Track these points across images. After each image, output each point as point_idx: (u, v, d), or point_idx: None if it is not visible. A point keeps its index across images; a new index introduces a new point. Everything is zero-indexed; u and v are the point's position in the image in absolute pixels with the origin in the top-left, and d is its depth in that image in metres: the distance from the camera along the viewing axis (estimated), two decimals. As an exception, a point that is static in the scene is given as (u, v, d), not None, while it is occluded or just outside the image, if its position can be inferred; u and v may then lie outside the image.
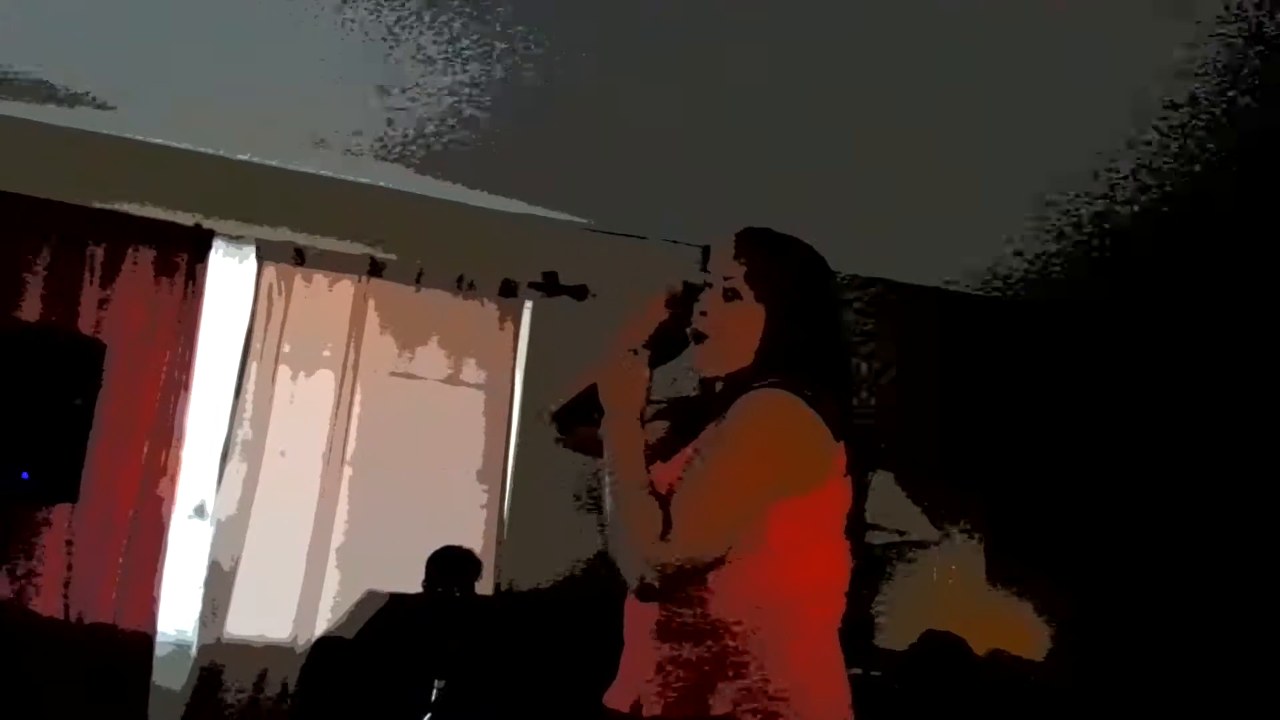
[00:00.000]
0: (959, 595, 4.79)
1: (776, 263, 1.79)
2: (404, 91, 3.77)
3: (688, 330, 1.83)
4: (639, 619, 1.76)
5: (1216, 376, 4.83)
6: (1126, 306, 5.04)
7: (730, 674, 1.63)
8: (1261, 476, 4.61)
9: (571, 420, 1.94)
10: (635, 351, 1.81)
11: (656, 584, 1.63)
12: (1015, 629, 4.67)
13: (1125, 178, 3.86)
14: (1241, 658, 4.38)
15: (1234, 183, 3.80)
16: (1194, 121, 3.42)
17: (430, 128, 4.05)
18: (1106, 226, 4.30)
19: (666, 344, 1.85)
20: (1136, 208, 4.09)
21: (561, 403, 1.97)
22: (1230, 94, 3.25)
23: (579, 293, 4.74)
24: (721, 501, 1.62)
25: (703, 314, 1.80)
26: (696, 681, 1.64)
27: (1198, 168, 3.71)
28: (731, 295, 1.78)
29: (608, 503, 1.71)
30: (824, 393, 1.69)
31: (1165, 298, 4.90)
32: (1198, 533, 4.68)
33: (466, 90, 3.72)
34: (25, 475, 3.75)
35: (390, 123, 4.04)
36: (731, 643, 1.64)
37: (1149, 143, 3.59)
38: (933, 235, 4.67)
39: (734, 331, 1.77)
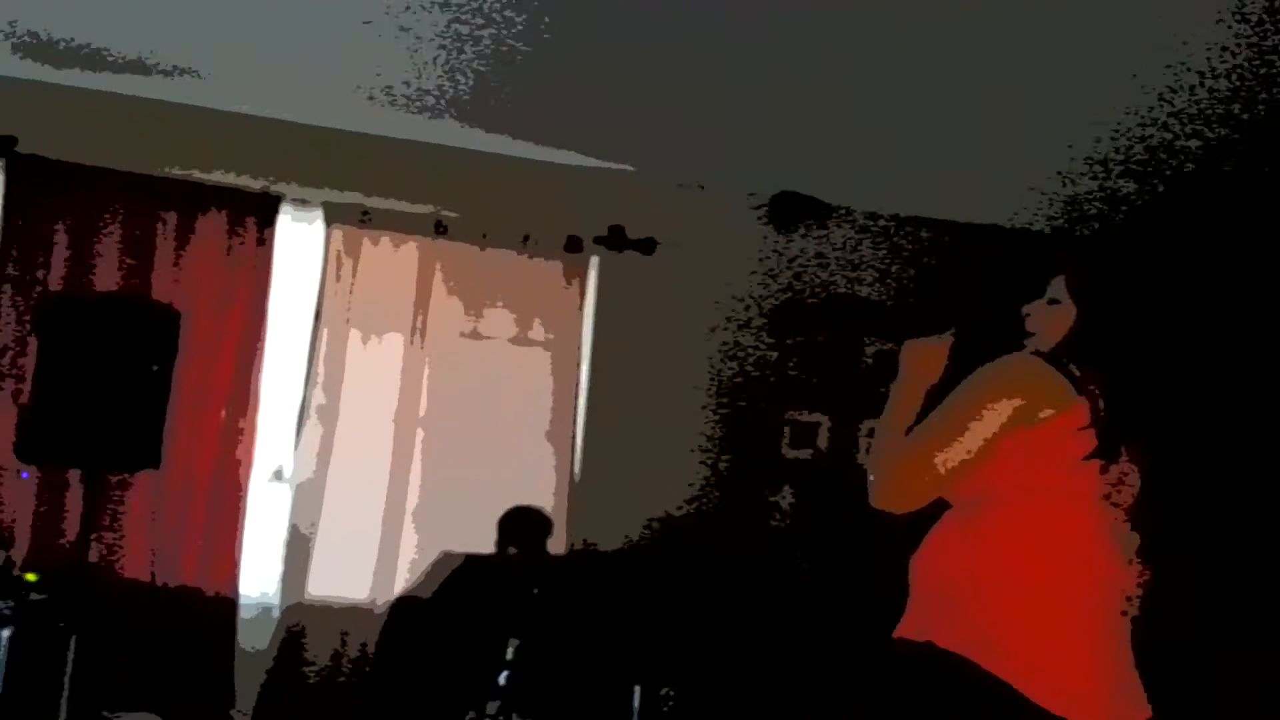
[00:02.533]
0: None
1: (1091, 275, 2.09)
2: (464, 46, 3.71)
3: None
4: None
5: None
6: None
7: (960, 617, 1.84)
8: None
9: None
10: (947, 335, 2.12)
11: (883, 504, 1.93)
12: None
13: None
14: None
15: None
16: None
17: (492, 82, 3.99)
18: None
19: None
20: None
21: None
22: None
23: (646, 247, 4.68)
24: (939, 449, 1.89)
25: (1027, 314, 2.11)
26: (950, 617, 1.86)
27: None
28: (1054, 300, 2.08)
29: (875, 439, 2.07)
30: (1087, 366, 1.95)
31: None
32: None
33: (528, 42, 3.65)
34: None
35: (451, 79, 4.00)
36: (967, 588, 1.86)
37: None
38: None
39: (1050, 329, 2.07)
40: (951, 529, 1.95)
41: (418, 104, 4.25)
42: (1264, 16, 3.04)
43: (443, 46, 3.73)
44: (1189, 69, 3.40)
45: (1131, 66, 3.43)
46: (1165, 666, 2.01)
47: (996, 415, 1.87)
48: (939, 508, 1.98)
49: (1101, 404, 1.89)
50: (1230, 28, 3.12)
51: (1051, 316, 2.06)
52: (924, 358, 2.08)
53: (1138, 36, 3.23)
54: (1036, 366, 1.94)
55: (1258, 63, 3.33)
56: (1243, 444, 4.55)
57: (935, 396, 2.04)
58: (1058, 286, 2.07)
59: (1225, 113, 3.68)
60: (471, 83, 4.01)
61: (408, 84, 4.08)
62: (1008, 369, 1.94)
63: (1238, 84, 3.47)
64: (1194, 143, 3.95)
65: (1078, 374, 1.93)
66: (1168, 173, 4.24)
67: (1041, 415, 1.88)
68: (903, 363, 2.09)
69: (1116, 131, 3.91)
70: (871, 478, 1.95)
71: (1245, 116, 3.68)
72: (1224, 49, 3.27)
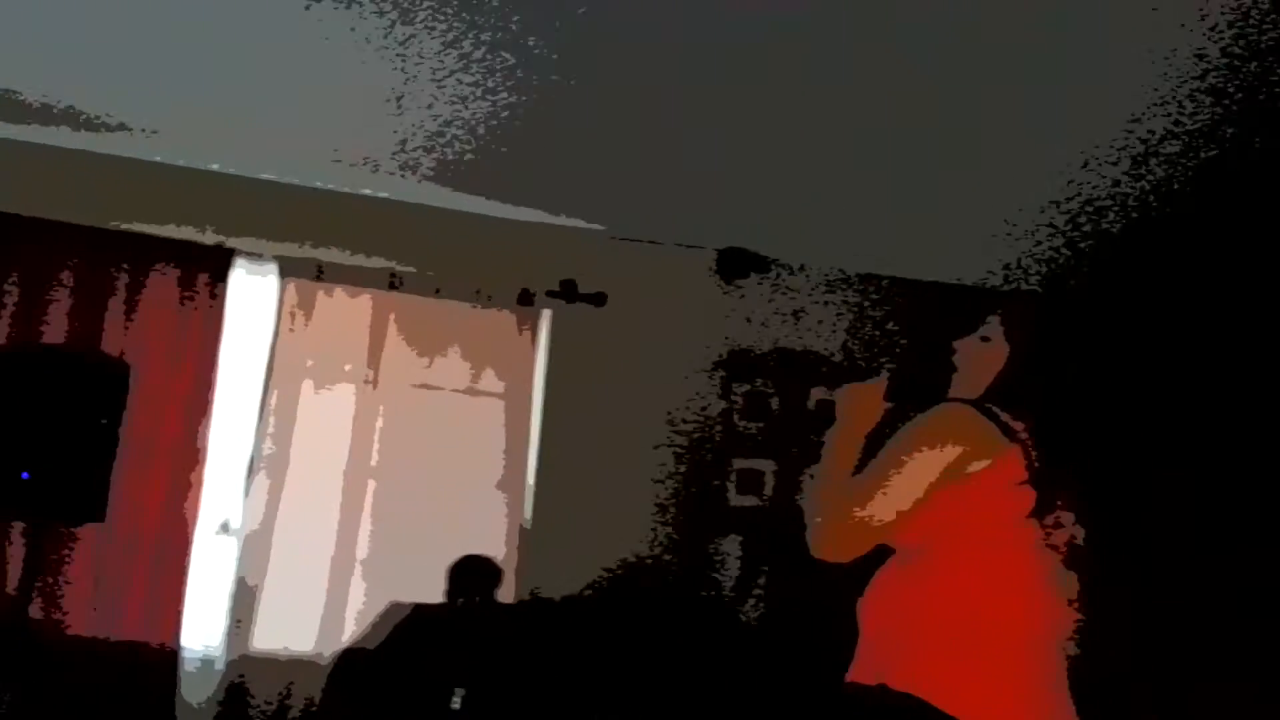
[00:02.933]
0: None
1: (1023, 318, 2.13)
2: (417, 104, 3.80)
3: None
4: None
5: (1218, 373, 4.73)
6: (1128, 303, 4.94)
7: (909, 659, 1.88)
8: (1262, 476, 4.51)
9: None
10: (880, 377, 2.17)
11: (822, 555, 1.96)
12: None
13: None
14: (1237, 655, 4.31)
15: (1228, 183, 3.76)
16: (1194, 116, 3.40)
17: (444, 139, 4.07)
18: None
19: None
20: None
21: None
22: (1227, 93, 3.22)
23: (597, 300, 4.76)
24: (874, 500, 1.92)
25: (955, 352, 2.15)
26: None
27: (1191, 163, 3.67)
28: (985, 339, 2.12)
29: (814, 488, 2.07)
30: (1017, 410, 1.99)
31: (1167, 295, 4.81)
32: (1198, 532, 4.60)
33: (479, 101, 3.74)
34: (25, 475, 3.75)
35: (404, 136, 4.07)
36: (914, 632, 1.90)
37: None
38: (934, 231, 4.62)
39: (978, 367, 2.11)
40: (898, 573, 1.98)
41: (372, 161, 4.32)
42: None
43: (397, 105, 3.80)
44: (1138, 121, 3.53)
45: (1085, 119, 3.53)
46: (1102, 702, 2.07)
47: (929, 467, 1.90)
48: (885, 551, 2.02)
49: (1033, 452, 1.93)
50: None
51: (981, 354, 2.09)
52: (858, 401, 2.12)
53: (1090, 90, 3.36)
54: (967, 417, 1.96)
55: (1203, 116, 3.47)
56: (1175, 481, 4.67)
57: (874, 440, 2.08)
58: (992, 325, 2.11)
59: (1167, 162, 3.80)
60: (425, 141, 4.08)
61: (362, 142, 4.16)
62: (938, 420, 1.96)
63: (1172, 132, 3.61)
64: (1139, 188, 4.04)
65: (1007, 420, 1.95)
66: (1105, 225, 4.36)
67: (971, 469, 1.91)
68: (839, 408, 2.12)
69: (1069, 184, 3.99)
70: (809, 528, 1.97)
71: (1185, 162, 3.79)
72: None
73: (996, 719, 1.81)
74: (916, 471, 1.91)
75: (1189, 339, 4.85)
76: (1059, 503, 1.97)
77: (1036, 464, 1.93)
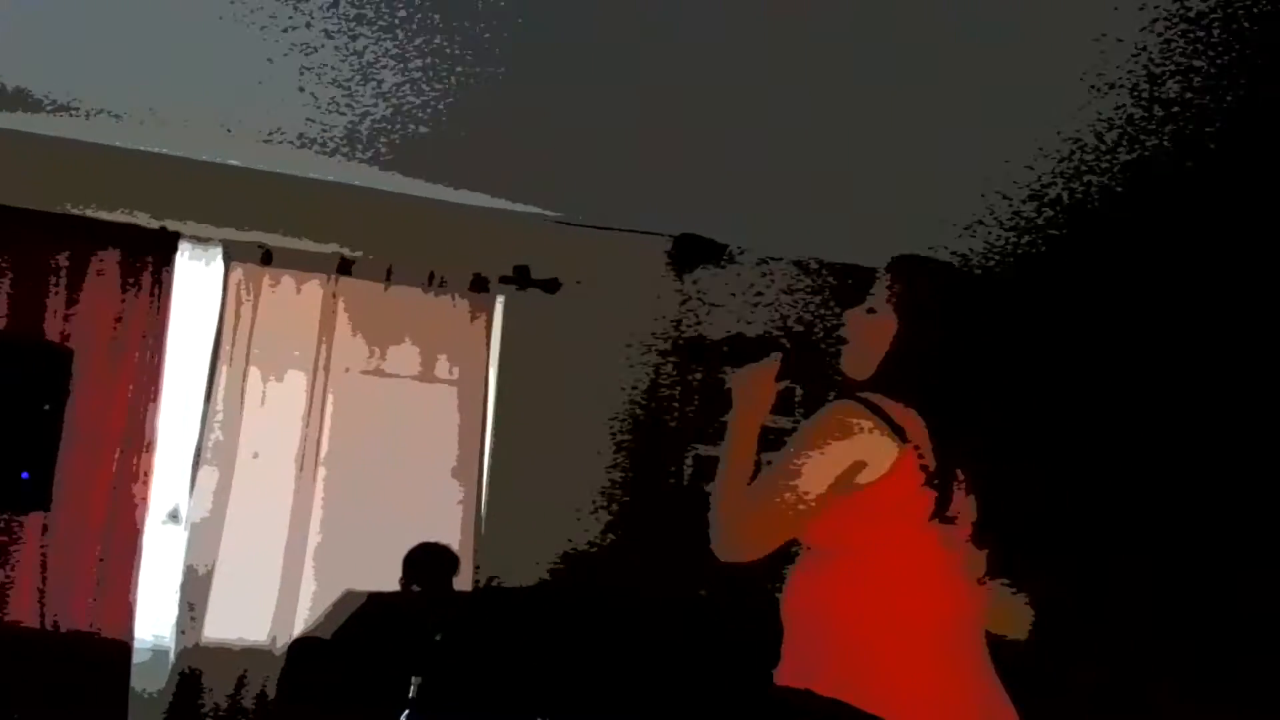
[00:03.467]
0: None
1: (911, 285, 2.01)
2: (368, 87, 3.74)
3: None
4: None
5: (1202, 362, 4.82)
6: (1107, 288, 5.03)
7: (833, 661, 1.85)
8: (1247, 465, 4.62)
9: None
10: (772, 358, 2.06)
11: (722, 555, 1.91)
12: (999, 610, 4.66)
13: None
14: (1228, 648, 4.39)
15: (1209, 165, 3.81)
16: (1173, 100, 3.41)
17: (396, 123, 4.01)
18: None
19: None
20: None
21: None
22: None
23: (550, 286, 4.75)
24: (772, 503, 1.87)
25: (845, 324, 2.06)
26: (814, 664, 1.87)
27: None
28: (871, 310, 2.02)
29: (715, 484, 1.98)
30: (910, 401, 1.90)
31: (1150, 279, 4.89)
32: (1184, 521, 4.70)
33: (430, 84, 3.69)
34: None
35: (355, 119, 4.00)
36: (834, 632, 1.87)
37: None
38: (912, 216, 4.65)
39: (866, 342, 2.01)
40: (811, 572, 1.94)
41: (319, 143, 4.25)
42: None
43: (345, 87, 3.74)
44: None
45: (1037, 107, 3.53)
46: (1023, 676, 2.09)
47: (821, 475, 1.84)
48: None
49: (929, 448, 1.86)
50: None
51: (868, 326, 1.99)
52: (750, 385, 2.02)
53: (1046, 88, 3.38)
54: (855, 422, 1.86)
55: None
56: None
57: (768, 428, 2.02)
58: (877, 295, 2.01)
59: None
60: (374, 123, 4.02)
61: (310, 123, 4.07)
62: (829, 425, 1.87)
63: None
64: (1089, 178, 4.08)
65: (900, 419, 1.87)
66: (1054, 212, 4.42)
67: (861, 480, 1.85)
68: (734, 394, 2.03)
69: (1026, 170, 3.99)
70: (712, 528, 1.90)
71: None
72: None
73: (925, 716, 1.81)
74: (811, 479, 1.84)
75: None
76: (960, 490, 1.91)
77: (931, 464, 1.86)
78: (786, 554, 1.97)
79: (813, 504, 1.84)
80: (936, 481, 1.86)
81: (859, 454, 1.85)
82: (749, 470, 1.93)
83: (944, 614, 1.89)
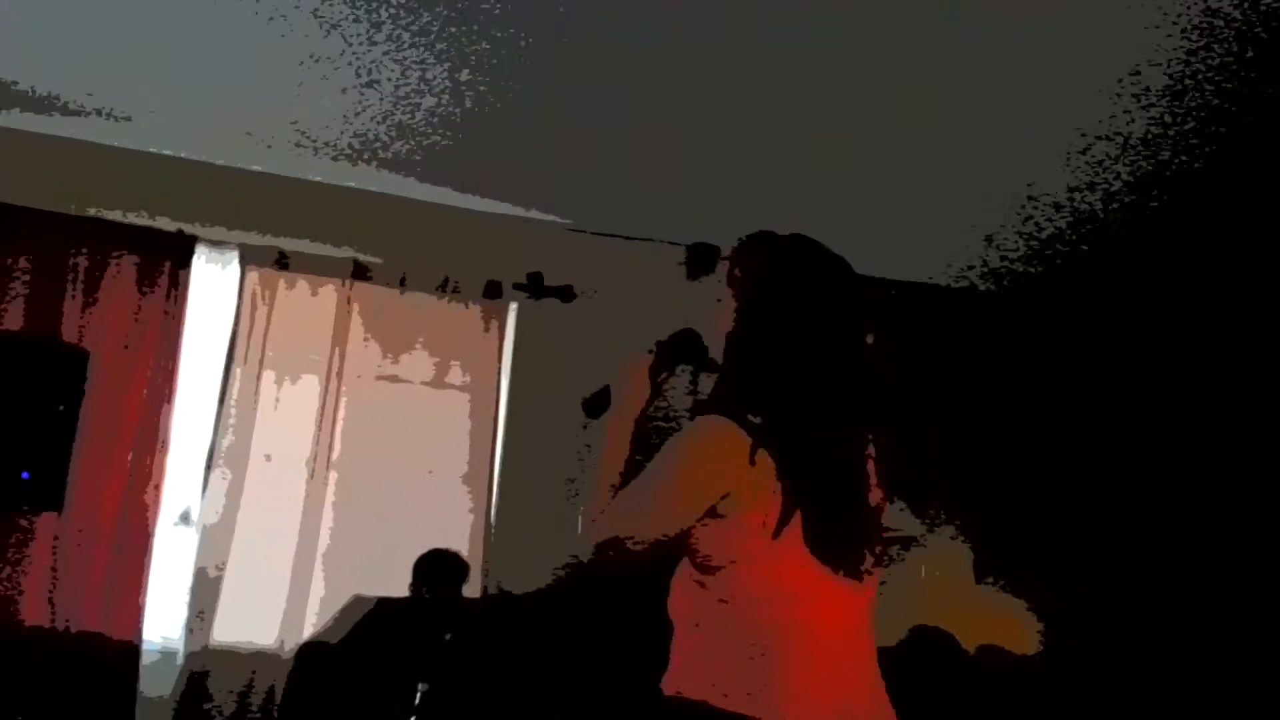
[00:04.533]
0: (948, 591, 4.79)
1: (744, 264, 1.86)
2: (384, 93, 3.76)
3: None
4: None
5: (1207, 371, 4.81)
6: (1115, 301, 5.03)
7: (714, 665, 1.75)
8: (1252, 474, 4.60)
9: (596, 408, 2.08)
10: (650, 355, 1.96)
11: (583, 557, 1.83)
12: (1005, 624, 4.67)
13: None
14: (1234, 655, 4.38)
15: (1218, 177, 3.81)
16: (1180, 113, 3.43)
17: (412, 129, 4.04)
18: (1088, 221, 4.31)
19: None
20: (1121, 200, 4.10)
21: (588, 394, 2.08)
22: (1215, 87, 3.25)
23: (564, 294, 4.74)
24: (628, 520, 1.78)
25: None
26: (701, 669, 1.77)
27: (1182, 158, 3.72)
28: (718, 301, 1.87)
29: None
30: (761, 406, 1.74)
31: (1156, 292, 4.89)
32: (1189, 529, 4.68)
33: (447, 91, 3.70)
34: (25, 475, 3.75)
35: (372, 125, 4.03)
36: (716, 637, 1.77)
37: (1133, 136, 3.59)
38: (917, 231, 4.67)
39: (718, 330, 1.85)
40: (685, 580, 1.83)
41: (337, 150, 4.27)
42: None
43: (362, 94, 3.76)
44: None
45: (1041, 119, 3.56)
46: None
47: (690, 497, 1.73)
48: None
49: (776, 464, 1.71)
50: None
51: (717, 316, 1.85)
52: (629, 380, 1.95)
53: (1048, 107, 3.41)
54: (721, 443, 1.72)
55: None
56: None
57: (641, 424, 1.94)
58: (720, 282, 1.86)
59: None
60: (392, 131, 4.04)
61: (327, 128, 4.11)
62: (695, 446, 1.75)
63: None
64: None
65: (763, 429, 1.72)
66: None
67: (723, 510, 1.72)
68: (614, 389, 1.95)
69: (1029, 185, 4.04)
70: (579, 532, 1.83)
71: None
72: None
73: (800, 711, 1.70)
74: (678, 497, 1.73)
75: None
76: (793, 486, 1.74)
77: (787, 489, 1.71)
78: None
79: (664, 533, 1.74)
80: (784, 497, 1.71)
81: (727, 484, 1.71)
82: (618, 467, 1.87)
83: (819, 615, 1.76)
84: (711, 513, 1.73)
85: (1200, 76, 3.19)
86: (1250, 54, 3.04)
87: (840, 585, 1.77)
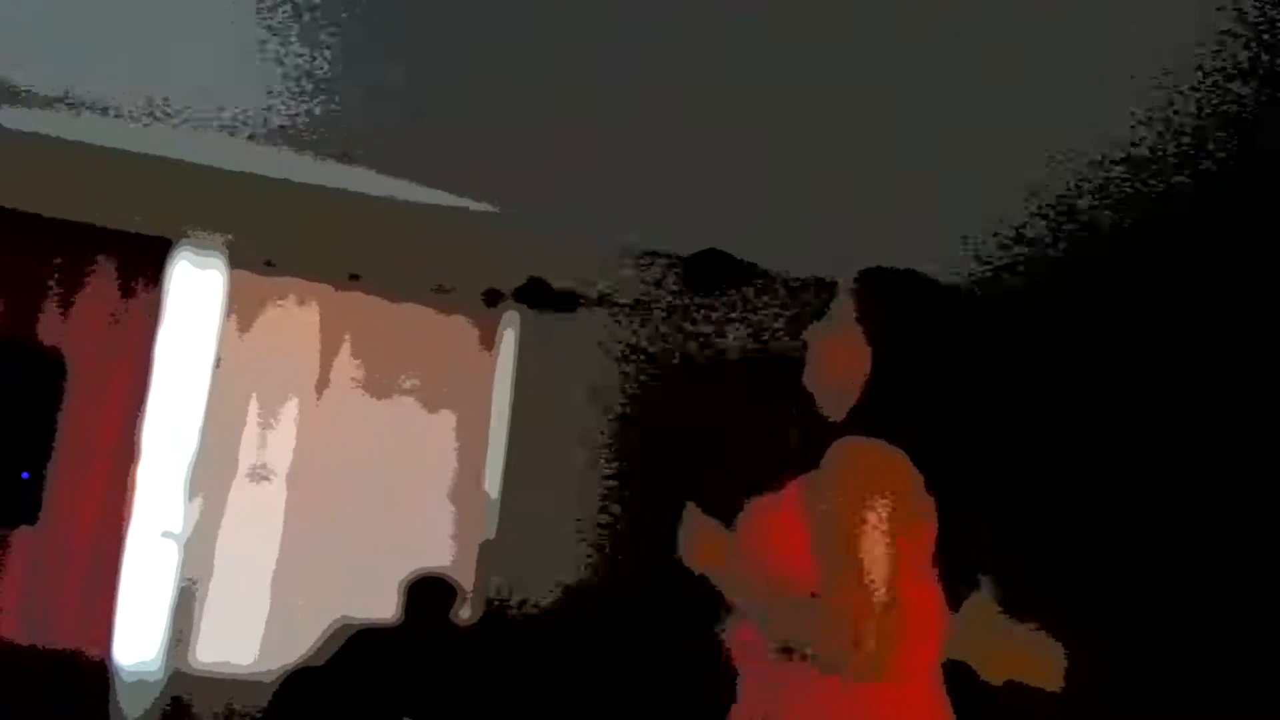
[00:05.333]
0: (969, 624, 4.59)
1: (879, 303, 1.80)
2: (381, 95, 3.66)
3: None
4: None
5: (1218, 378, 4.64)
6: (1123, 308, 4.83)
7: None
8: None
9: None
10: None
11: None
12: (1028, 658, 4.50)
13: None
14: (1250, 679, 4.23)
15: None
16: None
17: (407, 132, 3.94)
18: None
19: None
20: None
21: None
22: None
23: (564, 303, 4.60)
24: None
25: (804, 342, 1.87)
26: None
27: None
28: (836, 333, 1.82)
29: None
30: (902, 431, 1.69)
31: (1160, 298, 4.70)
32: (1208, 549, 4.51)
33: (442, 91, 3.61)
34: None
35: (365, 126, 3.93)
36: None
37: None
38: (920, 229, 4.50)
39: (834, 364, 1.81)
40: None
41: (325, 149, 4.13)
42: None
43: (354, 91, 3.65)
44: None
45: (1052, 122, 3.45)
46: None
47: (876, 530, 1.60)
48: None
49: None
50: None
51: (835, 345, 1.79)
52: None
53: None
54: (893, 464, 1.66)
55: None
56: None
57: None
58: (843, 310, 1.81)
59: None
60: (388, 133, 3.95)
61: (316, 129, 3.97)
62: (857, 474, 1.65)
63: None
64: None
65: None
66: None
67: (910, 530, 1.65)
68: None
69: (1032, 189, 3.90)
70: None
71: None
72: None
73: None
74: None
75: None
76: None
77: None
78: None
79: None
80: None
81: (905, 507, 1.63)
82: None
83: (920, 652, 1.70)
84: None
85: (1199, 75, 3.07)
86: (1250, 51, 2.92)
87: (945, 612, 1.73)
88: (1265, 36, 2.83)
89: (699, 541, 1.80)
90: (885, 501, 1.60)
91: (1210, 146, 3.45)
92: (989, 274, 4.69)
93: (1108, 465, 4.80)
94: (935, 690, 1.72)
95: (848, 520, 1.60)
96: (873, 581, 1.55)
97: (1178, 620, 4.48)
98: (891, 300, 1.79)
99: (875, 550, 1.58)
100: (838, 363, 1.78)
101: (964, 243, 4.40)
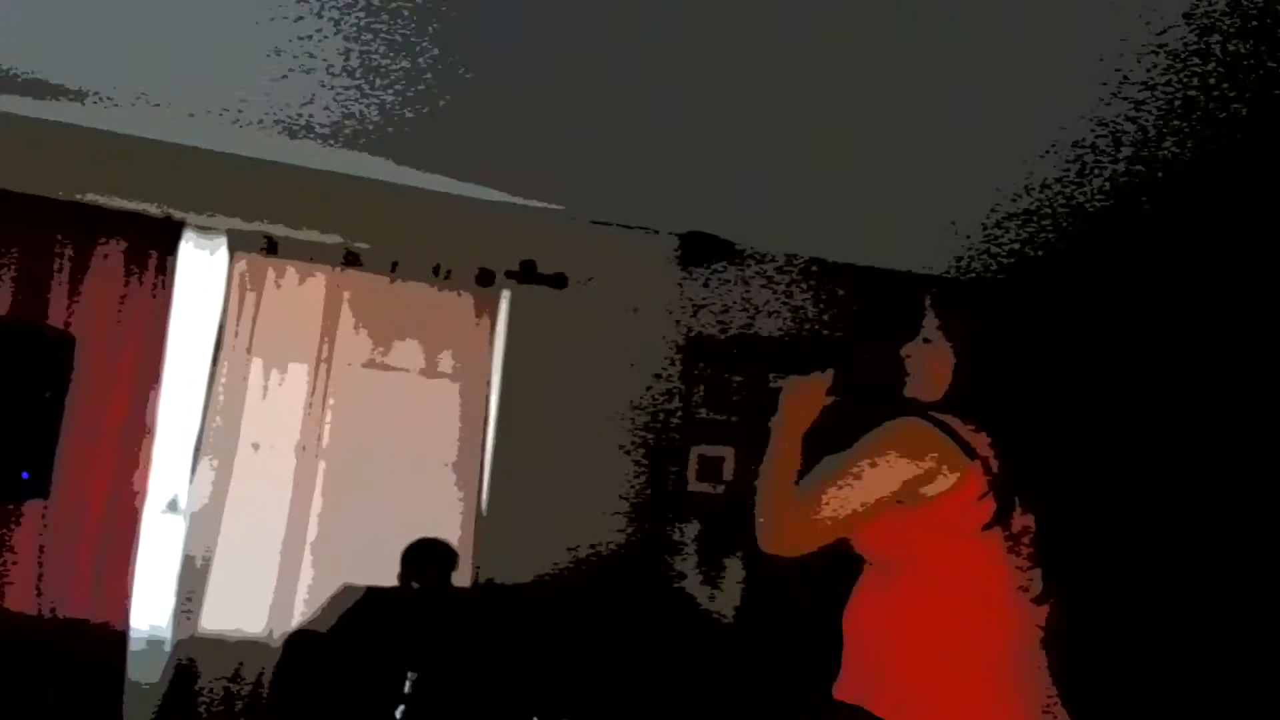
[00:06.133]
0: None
1: (962, 315, 2.11)
2: (373, 78, 3.70)
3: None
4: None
5: (1219, 379, 4.71)
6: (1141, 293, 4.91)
7: (891, 682, 1.90)
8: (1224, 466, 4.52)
9: None
10: (825, 374, 2.14)
11: (768, 549, 1.96)
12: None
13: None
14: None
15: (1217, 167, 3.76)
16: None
17: (403, 115, 3.97)
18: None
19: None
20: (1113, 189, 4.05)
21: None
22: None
23: (557, 282, 4.71)
24: (826, 499, 1.92)
25: (907, 356, 2.13)
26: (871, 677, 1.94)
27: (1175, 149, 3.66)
28: (927, 340, 2.11)
29: (760, 482, 2.04)
30: (975, 420, 1.98)
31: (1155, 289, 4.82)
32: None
33: (439, 76, 3.65)
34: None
35: (361, 110, 3.97)
36: (893, 652, 1.92)
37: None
38: (916, 226, 4.63)
39: (929, 370, 2.10)
40: (872, 590, 2.00)
41: (327, 134, 4.21)
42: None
43: (354, 77, 3.70)
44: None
45: (1051, 119, 3.53)
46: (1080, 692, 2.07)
47: (887, 479, 1.90)
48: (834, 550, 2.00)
49: (995, 464, 1.92)
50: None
51: (926, 357, 2.08)
52: (802, 395, 2.11)
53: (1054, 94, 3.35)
54: (925, 438, 1.93)
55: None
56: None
57: (818, 436, 2.09)
58: (929, 326, 2.10)
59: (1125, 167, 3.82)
60: (383, 115, 3.98)
61: (317, 113, 4.04)
62: (896, 438, 1.94)
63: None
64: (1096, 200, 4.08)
65: (967, 437, 1.94)
66: (1065, 225, 4.39)
67: (930, 492, 1.90)
68: (782, 401, 2.11)
69: (1029, 175, 3.97)
70: (760, 521, 1.97)
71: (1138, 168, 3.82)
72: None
73: None
74: (874, 482, 1.91)
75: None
76: (1020, 510, 1.95)
77: (997, 474, 1.92)
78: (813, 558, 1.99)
79: (861, 509, 1.90)
80: (998, 493, 1.91)
81: (925, 467, 1.90)
82: (794, 472, 2.01)
83: (1006, 633, 1.91)
84: (912, 495, 1.91)
85: (1200, 74, 3.14)
86: (1248, 46, 2.99)
87: (1022, 598, 1.94)
88: (1262, 30, 2.88)
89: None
90: (897, 454, 1.91)
91: (1217, 143, 3.50)
92: (989, 271, 4.78)
93: (1108, 465, 4.83)
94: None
95: (856, 453, 1.93)
96: (826, 493, 1.90)
97: (1177, 620, 4.49)
98: (964, 310, 2.11)
99: (853, 476, 1.91)
100: (935, 370, 2.07)
101: (964, 240, 4.50)
